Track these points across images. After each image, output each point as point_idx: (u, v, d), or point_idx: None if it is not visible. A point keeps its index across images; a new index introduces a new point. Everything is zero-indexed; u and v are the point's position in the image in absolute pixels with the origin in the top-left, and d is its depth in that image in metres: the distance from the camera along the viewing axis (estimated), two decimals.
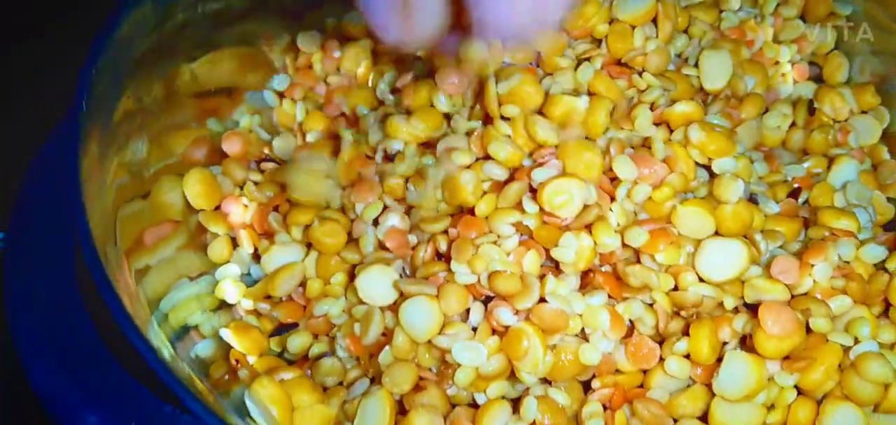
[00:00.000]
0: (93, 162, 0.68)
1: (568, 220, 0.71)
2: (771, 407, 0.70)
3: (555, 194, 0.70)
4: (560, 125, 0.74)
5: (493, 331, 0.70)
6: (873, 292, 0.74)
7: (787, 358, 0.69)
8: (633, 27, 0.82)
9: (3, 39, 1.08)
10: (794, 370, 0.68)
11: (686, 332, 0.71)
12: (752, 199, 0.77)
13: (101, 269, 0.63)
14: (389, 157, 0.80)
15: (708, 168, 0.77)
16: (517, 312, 0.70)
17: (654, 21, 0.83)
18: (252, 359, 0.75)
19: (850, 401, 0.69)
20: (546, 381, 0.72)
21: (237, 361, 0.73)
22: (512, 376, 0.71)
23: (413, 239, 0.77)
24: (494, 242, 0.71)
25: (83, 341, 0.74)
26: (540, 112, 0.75)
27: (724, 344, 0.71)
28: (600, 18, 0.81)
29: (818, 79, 0.93)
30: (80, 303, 0.76)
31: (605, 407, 0.71)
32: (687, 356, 0.71)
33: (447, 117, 0.80)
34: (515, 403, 0.71)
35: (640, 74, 0.80)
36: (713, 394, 0.69)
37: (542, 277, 0.71)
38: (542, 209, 0.71)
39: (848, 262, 0.74)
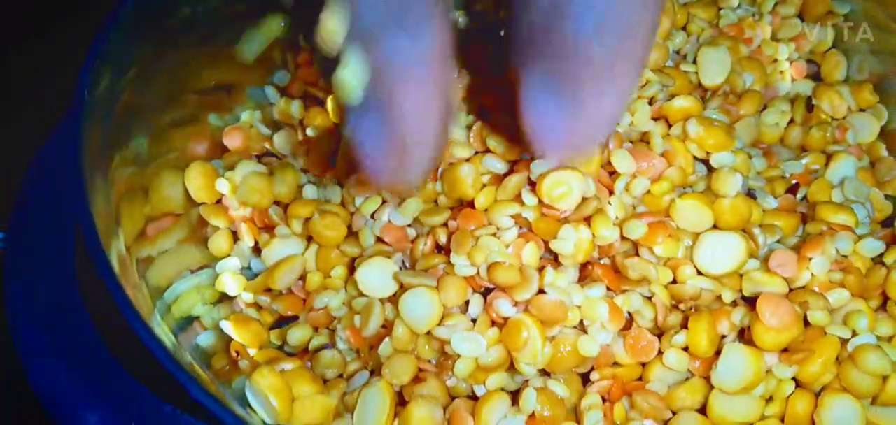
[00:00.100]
0: (94, 153, 0.68)
1: (567, 213, 0.71)
2: (769, 400, 0.70)
3: (554, 186, 0.70)
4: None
5: (493, 323, 0.71)
6: (871, 286, 0.74)
7: (785, 350, 0.69)
8: None
9: (3, 39, 1.08)
10: (792, 362, 0.69)
11: (684, 325, 0.71)
12: (750, 194, 0.77)
13: (104, 258, 0.64)
14: None
15: (706, 162, 0.77)
16: (516, 304, 0.70)
17: None
18: (252, 352, 0.75)
19: (848, 393, 0.69)
20: (545, 373, 0.72)
21: (237, 353, 0.74)
22: (511, 368, 0.71)
23: (412, 232, 0.77)
24: (494, 234, 0.72)
25: (83, 341, 0.74)
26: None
27: (723, 337, 0.71)
28: None
29: (816, 77, 0.93)
30: (80, 302, 0.76)
31: (603, 399, 0.71)
32: (685, 349, 0.71)
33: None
34: (514, 395, 0.71)
35: None
36: (712, 387, 0.69)
37: (541, 269, 0.71)
38: (540, 201, 0.71)
39: (846, 256, 0.74)
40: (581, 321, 0.70)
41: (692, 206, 0.72)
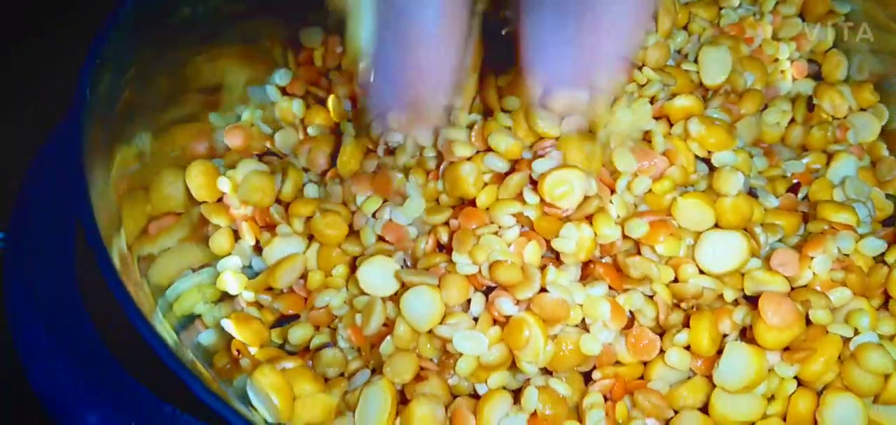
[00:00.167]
0: (95, 151, 0.68)
1: (568, 211, 0.71)
2: (771, 398, 0.70)
3: (555, 185, 0.70)
4: (561, 117, 0.75)
5: (494, 321, 0.71)
6: (873, 284, 0.74)
7: (787, 349, 0.69)
8: None
9: (3, 39, 1.08)
10: (794, 361, 0.69)
11: (686, 324, 0.71)
12: (751, 193, 0.77)
13: (106, 256, 0.63)
14: (390, 151, 0.81)
15: (708, 161, 0.77)
16: (518, 302, 0.70)
17: (654, 17, 0.83)
18: (253, 350, 0.75)
19: (850, 392, 0.69)
20: (547, 372, 0.72)
21: (238, 351, 0.74)
22: (513, 367, 0.71)
23: (413, 231, 0.77)
24: (495, 233, 0.72)
25: (83, 341, 0.74)
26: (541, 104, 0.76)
27: (725, 336, 0.71)
28: None
29: (817, 76, 0.94)
30: (80, 302, 0.76)
31: (605, 398, 0.71)
32: (687, 347, 0.71)
33: (447, 110, 0.80)
34: (516, 394, 0.71)
35: (640, 69, 0.80)
36: (713, 385, 0.69)
37: (542, 268, 0.71)
38: (542, 200, 0.71)
39: (847, 255, 0.75)
40: (583, 320, 0.70)
41: (694, 205, 0.72)
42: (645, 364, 0.72)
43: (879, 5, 0.91)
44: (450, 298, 0.71)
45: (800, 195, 0.82)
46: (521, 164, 0.74)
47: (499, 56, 0.79)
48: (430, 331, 0.71)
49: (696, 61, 0.84)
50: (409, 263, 0.76)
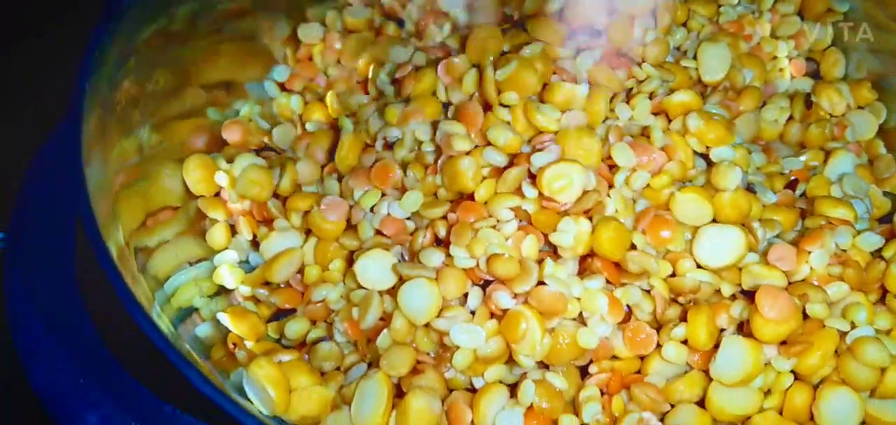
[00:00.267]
0: (94, 144, 0.69)
1: (567, 205, 0.71)
2: (768, 392, 0.70)
3: (554, 179, 0.70)
4: (560, 111, 0.75)
5: (492, 315, 0.71)
6: (870, 279, 0.74)
7: (784, 343, 0.69)
8: (633, 18, 0.82)
9: (3, 39, 1.08)
10: (791, 354, 0.69)
11: (683, 318, 0.71)
12: (749, 189, 0.77)
13: (104, 247, 0.64)
14: (389, 145, 0.81)
15: (706, 157, 0.77)
16: (515, 296, 0.70)
17: (654, 13, 0.84)
18: (250, 344, 0.75)
19: (846, 386, 0.69)
20: (544, 366, 0.72)
21: (234, 344, 0.74)
22: (509, 361, 0.71)
23: (411, 224, 0.77)
24: (493, 227, 0.72)
25: (83, 341, 0.74)
26: (540, 99, 0.76)
27: (722, 330, 0.71)
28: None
29: (815, 74, 0.94)
30: (80, 302, 0.76)
31: (602, 392, 0.71)
32: (684, 342, 0.71)
33: (446, 106, 0.80)
34: (513, 388, 0.71)
35: (639, 65, 0.81)
36: (710, 379, 0.69)
37: (540, 261, 0.71)
38: (541, 194, 0.71)
39: (845, 250, 0.74)
40: (580, 313, 0.71)
41: (692, 200, 0.72)
42: (642, 358, 0.72)
43: (878, 4, 0.91)
44: (447, 291, 0.71)
45: (798, 191, 0.82)
46: (520, 158, 0.74)
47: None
48: (428, 325, 0.71)
49: (695, 58, 0.84)
50: (406, 257, 0.76)
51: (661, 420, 0.70)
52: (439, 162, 0.77)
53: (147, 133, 0.77)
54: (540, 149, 0.73)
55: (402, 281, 0.72)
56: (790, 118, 0.88)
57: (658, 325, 0.72)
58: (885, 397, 0.70)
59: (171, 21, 0.79)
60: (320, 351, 0.75)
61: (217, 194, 0.84)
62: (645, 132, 0.77)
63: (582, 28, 0.82)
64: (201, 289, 0.79)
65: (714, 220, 0.73)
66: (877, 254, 0.76)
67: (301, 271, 0.80)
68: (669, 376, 0.72)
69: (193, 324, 0.75)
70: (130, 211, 0.73)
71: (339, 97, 0.90)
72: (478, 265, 0.71)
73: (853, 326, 0.70)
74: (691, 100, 0.78)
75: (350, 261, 0.77)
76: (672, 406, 0.70)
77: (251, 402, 0.67)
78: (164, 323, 0.66)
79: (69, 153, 0.66)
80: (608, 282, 0.71)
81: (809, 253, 0.72)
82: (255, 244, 0.83)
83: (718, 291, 0.72)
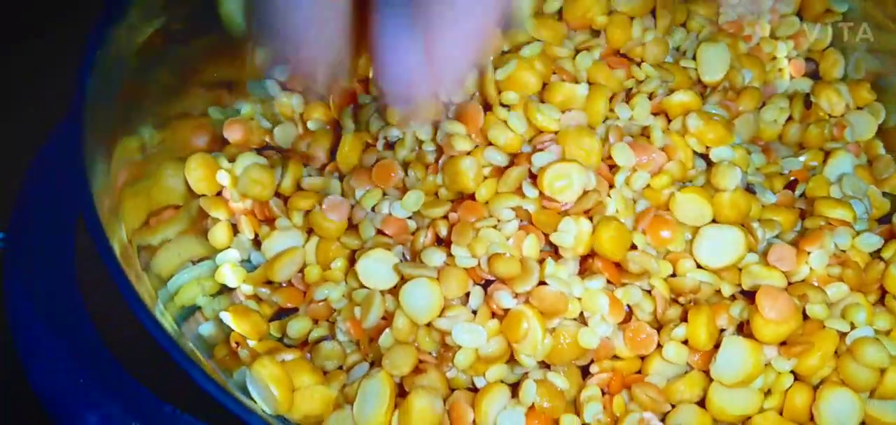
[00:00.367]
0: (96, 142, 0.68)
1: (567, 205, 0.71)
2: (768, 393, 0.70)
3: (555, 179, 0.71)
4: (560, 111, 0.75)
5: (493, 314, 0.71)
6: (869, 280, 0.74)
7: (783, 343, 0.70)
8: (632, 18, 0.82)
9: (3, 39, 1.08)
10: (791, 355, 0.69)
11: (684, 318, 0.71)
12: (749, 189, 0.77)
13: (107, 245, 0.64)
14: (390, 145, 0.81)
15: (706, 157, 0.78)
16: (517, 295, 0.70)
17: (653, 13, 0.84)
18: (252, 343, 0.75)
19: (846, 387, 0.69)
20: (545, 366, 0.72)
21: (237, 343, 0.74)
22: (511, 360, 0.71)
23: (413, 224, 0.77)
24: (494, 227, 0.72)
25: (83, 341, 0.74)
26: (540, 99, 0.76)
27: (722, 330, 0.72)
28: (599, 9, 0.82)
29: (815, 74, 0.94)
30: (80, 302, 0.76)
31: (603, 392, 0.72)
32: (685, 342, 0.71)
33: (446, 105, 0.80)
34: (514, 388, 0.71)
35: (638, 65, 0.81)
36: (711, 379, 0.70)
37: (541, 261, 0.71)
38: (541, 194, 0.72)
39: (844, 251, 0.75)
40: (581, 313, 0.71)
41: (691, 200, 0.73)
42: (642, 358, 0.73)
43: (877, 5, 0.91)
44: (449, 291, 0.71)
45: (797, 192, 0.83)
46: (521, 158, 0.74)
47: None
48: (429, 324, 0.71)
49: (694, 58, 0.85)
50: (408, 256, 0.76)
51: (662, 420, 0.70)
52: (440, 161, 0.77)
53: (149, 132, 0.77)
54: (540, 149, 0.73)
55: (403, 280, 0.72)
56: (789, 118, 0.89)
57: (658, 325, 0.72)
58: (884, 398, 0.70)
59: (172, 19, 0.79)
60: (323, 350, 0.75)
61: (219, 193, 0.84)
62: (645, 132, 0.77)
63: (580, 28, 0.82)
64: (204, 287, 0.79)
65: (714, 221, 0.73)
66: (876, 254, 0.76)
67: (303, 270, 0.80)
68: (670, 376, 0.72)
69: (196, 323, 0.75)
70: (133, 210, 0.73)
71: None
72: (479, 265, 0.71)
73: (853, 327, 0.71)
74: (691, 100, 0.78)
75: (352, 260, 0.77)
76: (673, 406, 0.71)
77: (254, 401, 0.68)
78: (167, 322, 0.66)
79: (71, 152, 0.66)
80: (609, 282, 0.72)
81: (809, 253, 0.73)
82: (257, 243, 0.83)
83: (718, 291, 0.73)
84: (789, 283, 0.72)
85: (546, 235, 0.72)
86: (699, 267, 0.72)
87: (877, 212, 0.84)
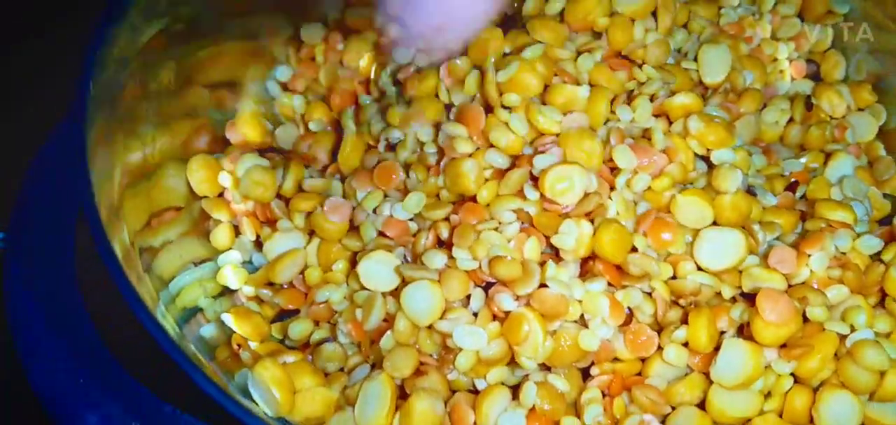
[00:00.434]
0: (98, 143, 0.69)
1: (569, 208, 0.72)
2: (768, 395, 0.70)
3: (556, 181, 0.71)
4: (561, 113, 0.75)
5: (494, 317, 0.71)
6: (869, 282, 0.74)
7: (784, 346, 0.70)
8: (634, 20, 0.82)
9: (3, 39, 1.08)
10: (791, 358, 0.69)
11: (684, 321, 0.72)
12: (749, 191, 0.77)
13: (108, 247, 0.64)
14: (391, 146, 0.81)
15: (707, 159, 0.78)
16: (518, 298, 0.70)
17: (654, 14, 0.84)
18: (254, 345, 0.76)
19: (846, 389, 0.69)
20: (546, 368, 0.72)
21: (239, 345, 0.74)
22: (512, 363, 0.71)
23: (414, 226, 0.77)
24: (495, 229, 0.72)
25: (83, 341, 0.74)
26: (542, 101, 0.76)
27: (722, 332, 0.72)
28: (601, 11, 0.82)
29: (816, 76, 0.94)
30: (80, 302, 0.76)
31: (603, 394, 0.72)
32: (685, 344, 0.71)
33: (448, 107, 0.80)
34: (515, 390, 0.71)
35: (640, 67, 0.81)
36: (711, 382, 0.70)
37: (542, 264, 0.71)
38: (542, 196, 0.72)
39: (844, 253, 0.75)
40: (582, 315, 0.71)
41: (692, 202, 0.73)
42: (643, 360, 0.73)
43: (878, 5, 0.91)
44: (450, 293, 0.71)
45: (798, 193, 0.83)
46: (522, 160, 0.74)
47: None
48: (431, 326, 0.71)
49: (695, 60, 0.85)
50: (409, 258, 0.76)
51: (663, 422, 0.71)
52: (441, 163, 0.77)
53: (150, 133, 0.78)
54: (542, 152, 0.73)
55: (405, 282, 0.72)
56: (790, 120, 0.89)
57: (659, 328, 0.73)
58: (884, 400, 0.70)
59: (174, 20, 0.79)
60: (324, 352, 0.75)
61: (220, 195, 0.84)
62: (646, 134, 0.77)
63: (582, 30, 0.82)
64: (205, 289, 0.79)
65: (714, 223, 0.73)
66: (876, 257, 0.76)
67: (304, 272, 0.80)
68: (670, 378, 0.72)
69: (198, 325, 0.75)
70: (134, 211, 0.73)
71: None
72: (480, 267, 0.71)
73: (853, 329, 0.71)
74: (692, 102, 0.78)
75: (353, 262, 0.77)
76: (673, 408, 0.71)
77: (256, 403, 0.68)
78: (169, 324, 0.66)
79: (71, 152, 0.66)
80: (609, 284, 0.72)
81: (809, 256, 0.73)
82: (259, 245, 0.84)
83: (719, 294, 0.73)
84: (790, 286, 0.72)
85: (547, 238, 0.72)
86: (700, 269, 0.72)
87: (877, 213, 0.84)
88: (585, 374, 0.73)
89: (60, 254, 0.79)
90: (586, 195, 0.72)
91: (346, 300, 0.77)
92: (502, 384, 0.72)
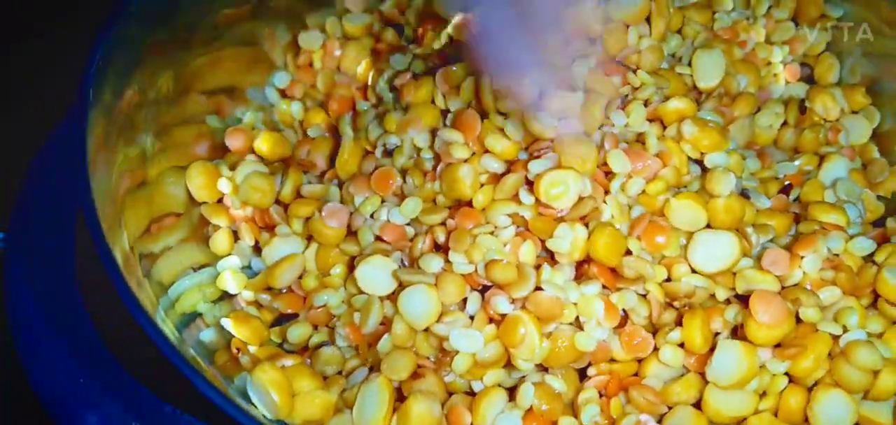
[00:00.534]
0: (98, 149, 0.69)
1: (563, 212, 0.72)
2: (763, 395, 0.71)
3: (551, 186, 0.71)
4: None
5: (490, 320, 0.72)
6: (862, 284, 0.75)
7: (778, 346, 0.70)
8: (628, 25, 0.83)
9: (3, 39, 1.08)
10: (785, 358, 0.69)
11: (679, 322, 0.72)
12: (743, 194, 0.78)
13: (109, 253, 0.64)
14: (388, 152, 0.82)
15: (700, 163, 0.78)
16: (513, 301, 0.71)
17: (649, 20, 0.84)
18: (253, 349, 0.76)
19: (839, 388, 0.70)
20: (543, 368, 0.73)
21: (238, 349, 0.74)
22: (508, 365, 0.72)
23: (411, 230, 0.78)
24: (491, 233, 0.73)
25: (83, 341, 0.74)
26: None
27: (717, 334, 0.72)
28: (596, 17, 0.82)
29: (809, 79, 0.95)
30: (80, 302, 0.76)
31: (600, 394, 0.72)
32: (680, 345, 0.72)
33: (444, 113, 0.81)
34: (512, 392, 0.72)
35: (634, 72, 0.81)
36: (706, 382, 0.70)
37: (537, 267, 0.72)
38: (537, 201, 0.72)
39: (837, 255, 0.75)
40: (577, 318, 0.71)
41: (686, 206, 0.73)
42: (639, 361, 0.73)
43: (870, 9, 0.91)
44: (446, 297, 0.71)
45: (791, 196, 0.83)
46: (517, 165, 0.75)
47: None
48: (427, 330, 0.72)
49: (689, 64, 0.85)
50: (406, 263, 0.76)
51: (659, 422, 0.71)
52: (438, 169, 0.78)
53: (150, 139, 0.78)
54: (537, 157, 0.74)
55: (402, 286, 0.73)
56: (784, 123, 0.89)
57: (654, 329, 0.73)
58: (877, 399, 0.71)
59: (174, 28, 0.80)
60: (322, 355, 0.76)
61: (220, 201, 0.85)
62: (640, 139, 0.78)
63: (577, 35, 0.83)
64: (205, 294, 0.79)
65: (708, 226, 0.73)
66: (869, 258, 0.76)
67: (303, 276, 0.81)
68: (666, 379, 0.72)
69: (197, 329, 0.75)
70: (134, 217, 0.73)
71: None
72: (476, 271, 0.72)
73: (845, 330, 0.71)
74: (686, 107, 0.78)
75: (351, 266, 0.78)
76: (669, 408, 0.71)
77: (255, 407, 0.68)
78: (168, 329, 0.67)
79: (71, 152, 0.67)
80: (604, 287, 0.72)
81: (802, 258, 0.73)
82: (258, 250, 0.84)
83: (713, 296, 0.73)
84: (783, 287, 0.72)
85: (542, 241, 0.73)
86: (694, 271, 0.73)
87: (871, 215, 0.84)
88: (582, 375, 0.74)
89: (60, 254, 0.79)
90: (581, 199, 0.72)
91: (344, 304, 0.78)
92: (499, 386, 0.72)
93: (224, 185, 0.83)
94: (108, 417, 0.70)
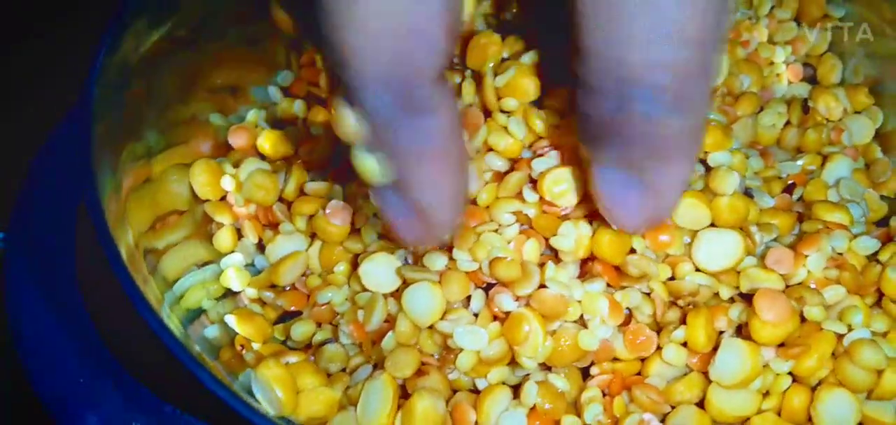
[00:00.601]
0: (103, 146, 0.69)
1: (567, 210, 0.72)
2: (766, 394, 0.71)
3: (554, 183, 0.71)
4: (559, 117, 0.75)
5: (494, 317, 0.71)
6: (866, 283, 0.75)
7: (781, 345, 0.70)
8: None
9: (3, 39, 1.08)
10: (788, 357, 0.69)
11: (683, 321, 0.72)
12: (747, 193, 0.78)
13: (114, 249, 0.64)
14: None
15: (704, 162, 0.78)
16: (518, 298, 0.70)
17: None
18: (256, 346, 0.76)
19: (843, 388, 0.70)
20: (546, 368, 0.73)
21: (242, 346, 0.74)
22: (512, 363, 0.72)
23: None
24: (495, 231, 0.72)
25: (83, 341, 0.74)
26: (539, 104, 0.77)
27: (721, 332, 0.72)
28: None
29: (812, 79, 0.95)
30: (80, 302, 0.76)
31: (603, 393, 0.72)
32: (684, 344, 0.71)
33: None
34: (516, 389, 0.72)
35: None
36: (710, 381, 0.70)
37: (541, 265, 0.72)
38: (541, 199, 0.72)
39: (841, 254, 0.75)
40: (581, 316, 0.71)
41: (690, 204, 0.73)
42: (642, 360, 0.73)
43: (873, 9, 0.91)
44: (450, 294, 0.71)
45: (795, 195, 0.83)
46: (521, 163, 0.75)
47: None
48: (432, 327, 0.72)
49: None
50: (410, 260, 0.76)
51: (662, 421, 0.71)
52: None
53: (154, 136, 0.78)
54: (540, 155, 0.74)
55: (406, 284, 0.73)
56: (787, 123, 0.89)
57: (658, 328, 0.73)
58: (881, 398, 0.71)
59: (178, 26, 0.80)
60: (326, 352, 0.76)
61: (223, 198, 0.85)
62: None
63: None
64: (209, 291, 0.79)
65: (712, 225, 0.73)
66: (873, 257, 0.76)
67: (306, 274, 0.81)
68: (670, 378, 0.72)
69: (201, 326, 0.75)
70: (138, 215, 0.73)
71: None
72: (480, 268, 0.72)
73: (850, 329, 0.71)
74: None
75: (354, 264, 0.78)
76: (672, 407, 0.71)
77: (259, 403, 0.68)
78: (174, 325, 0.67)
79: (72, 152, 0.67)
80: (608, 285, 0.72)
81: (806, 256, 0.73)
82: (261, 247, 0.84)
83: (717, 294, 0.73)
84: (787, 286, 0.72)
85: (546, 239, 0.72)
86: (698, 270, 0.73)
87: (874, 215, 0.84)
88: (585, 374, 0.74)
89: (61, 254, 0.79)
90: (584, 197, 0.72)
91: (347, 301, 0.78)
92: (503, 383, 0.72)
93: (227, 183, 0.83)
94: (108, 417, 0.71)
